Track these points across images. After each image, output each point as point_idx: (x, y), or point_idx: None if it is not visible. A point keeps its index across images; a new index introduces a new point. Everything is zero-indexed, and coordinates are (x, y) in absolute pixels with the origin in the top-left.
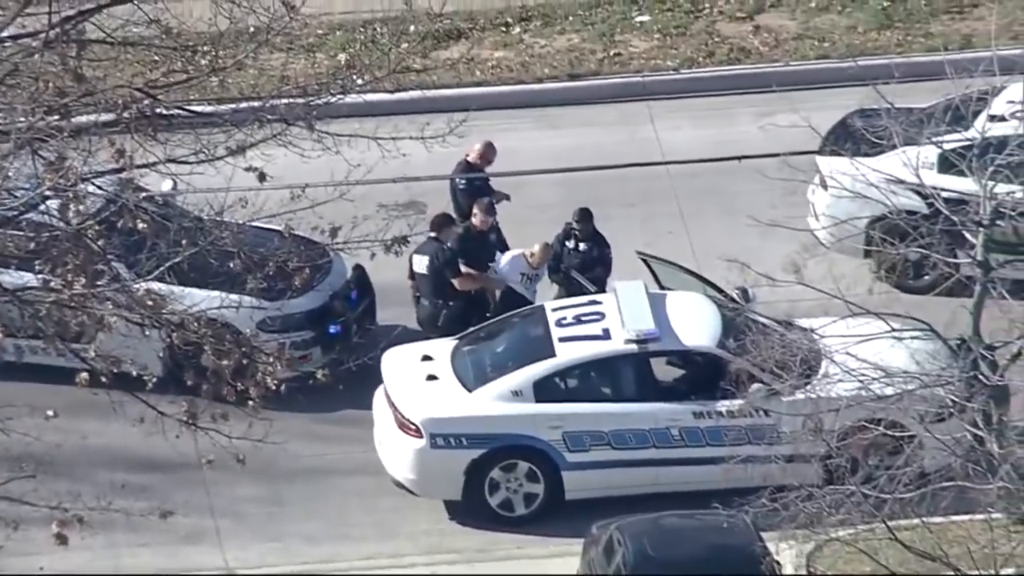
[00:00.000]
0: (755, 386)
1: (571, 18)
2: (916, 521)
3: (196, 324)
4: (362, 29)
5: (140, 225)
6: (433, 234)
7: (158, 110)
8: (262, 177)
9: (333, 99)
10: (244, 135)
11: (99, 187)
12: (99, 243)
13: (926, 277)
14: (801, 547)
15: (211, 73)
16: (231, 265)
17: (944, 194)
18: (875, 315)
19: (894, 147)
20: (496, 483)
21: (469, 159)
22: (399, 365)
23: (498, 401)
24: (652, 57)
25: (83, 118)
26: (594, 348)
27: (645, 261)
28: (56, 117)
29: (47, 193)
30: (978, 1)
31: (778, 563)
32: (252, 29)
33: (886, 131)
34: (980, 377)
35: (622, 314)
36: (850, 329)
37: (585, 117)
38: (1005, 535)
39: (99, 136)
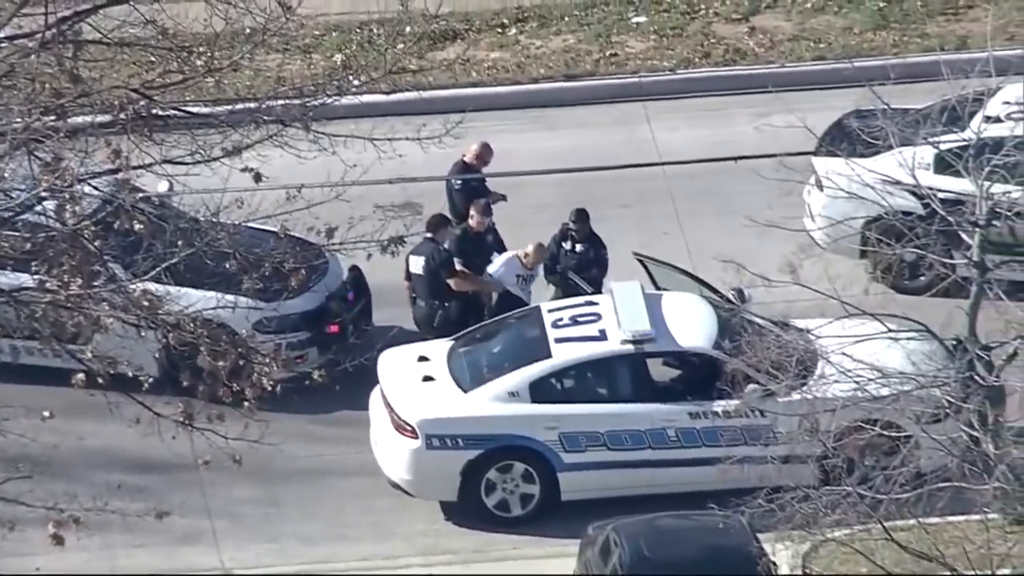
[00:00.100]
0: (751, 387)
1: (567, 19)
2: (912, 522)
3: (192, 325)
4: (358, 30)
5: (136, 226)
6: (429, 235)
7: (154, 111)
8: (258, 178)
9: (329, 100)
10: (240, 136)
11: (95, 188)
12: (95, 244)
13: (922, 278)
14: (797, 548)
15: (207, 74)
16: (227, 266)
17: (940, 195)
18: (871, 316)
19: (890, 148)
20: (492, 484)
21: (465, 160)
22: (395, 366)
23: (494, 402)
24: (648, 58)
25: (79, 119)
26: (590, 349)
27: (641, 262)
28: (52, 118)
29: (43, 194)
30: (974, 2)
31: (774, 564)
32: (248, 30)
33: (882, 132)
34: (976, 378)
35: (618, 315)
36: (846, 330)
37: (581, 118)
38: (1001, 535)
39: (95, 137)
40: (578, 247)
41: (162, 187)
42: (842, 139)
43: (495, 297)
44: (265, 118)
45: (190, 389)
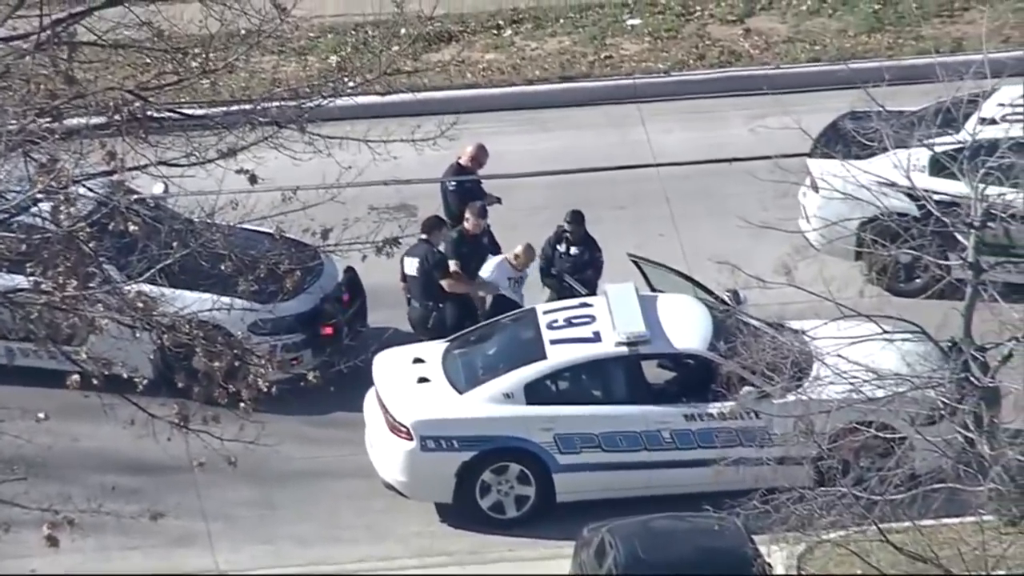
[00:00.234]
0: (746, 388)
1: (562, 21)
2: (907, 523)
3: (187, 326)
4: (353, 32)
5: (131, 227)
6: (424, 236)
7: (149, 112)
8: (253, 179)
9: (324, 102)
10: (235, 137)
11: (90, 189)
12: (90, 245)
13: (917, 279)
14: (792, 549)
15: (202, 75)
16: (222, 267)
17: (935, 196)
18: (866, 317)
19: (885, 150)
20: (487, 485)
21: (461, 162)
22: (390, 367)
23: (489, 403)
24: (643, 60)
25: (74, 120)
26: (585, 351)
27: (636, 263)
28: (47, 119)
29: (38, 195)
30: (969, 4)
31: (769, 565)
32: (243, 32)
33: (877, 134)
34: (971, 379)
35: (613, 317)
36: (841, 331)
37: (576, 120)
38: (996, 537)
39: (90, 138)
40: (573, 249)
41: (157, 189)
42: (837, 141)
43: (488, 300)
44: (260, 120)
45: (185, 391)
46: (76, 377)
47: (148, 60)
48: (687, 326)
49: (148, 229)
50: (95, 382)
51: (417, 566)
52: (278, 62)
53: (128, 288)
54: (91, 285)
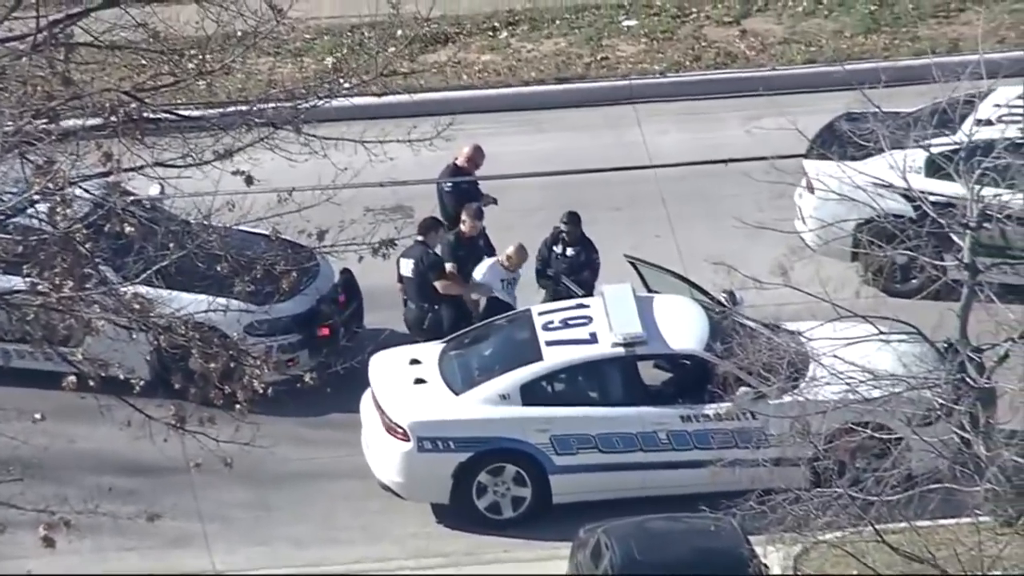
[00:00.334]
0: (742, 389)
1: (558, 22)
2: (903, 524)
3: (183, 328)
4: (349, 33)
5: (128, 229)
6: (420, 238)
7: (145, 114)
8: (249, 181)
9: (320, 103)
10: (231, 139)
11: (87, 191)
12: (87, 247)
13: (913, 280)
14: (788, 550)
15: (198, 77)
16: (218, 269)
17: (931, 197)
18: (862, 318)
19: (881, 151)
20: (483, 486)
21: (457, 163)
22: (386, 368)
23: (485, 404)
24: (639, 61)
25: (71, 122)
26: (581, 352)
27: (632, 264)
28: (44, 121)
29: (35, 197)
30: (965, 5)
31: (765, 566)
32: (239, 33)
33: (873, 135)
34: (967, 380)
35: (609, 318)
36: (837, 332)
37: (572, 121)
38: (992, 537)
39: (87, 140)
40: (569, 250)
41: (153, 190)
42: (833, 142)
43: (483, 303)
44: (256, 121)
45: (181, 392)
46: (72, 378)
47: (144, 61)
48: (683, 327)
49: (144, 230)
50: (91, 383)
51: (413, 567)
52: (274, 63)
53: (124, 289)
54: (87, 286)
